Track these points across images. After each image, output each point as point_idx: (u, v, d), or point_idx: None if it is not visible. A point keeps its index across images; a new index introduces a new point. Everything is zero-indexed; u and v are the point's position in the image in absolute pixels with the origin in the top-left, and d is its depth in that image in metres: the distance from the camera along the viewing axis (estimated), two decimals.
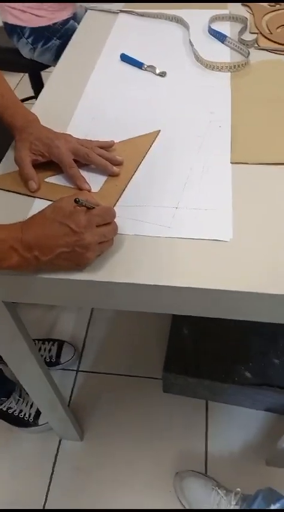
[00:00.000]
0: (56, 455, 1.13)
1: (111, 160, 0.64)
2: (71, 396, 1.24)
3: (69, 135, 0.65)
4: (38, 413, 1.14)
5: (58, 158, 0.62)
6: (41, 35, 1.28)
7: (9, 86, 0.71)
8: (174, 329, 1.22)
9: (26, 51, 1.35)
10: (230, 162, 0.64)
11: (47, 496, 1.07)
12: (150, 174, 0.64)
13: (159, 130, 0.71)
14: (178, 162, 0.65)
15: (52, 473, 1.10)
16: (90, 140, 0.66)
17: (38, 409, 1.14)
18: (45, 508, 1.05)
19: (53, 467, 1.11)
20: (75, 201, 0.48)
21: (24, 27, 1.27)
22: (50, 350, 1.27)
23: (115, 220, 0.53)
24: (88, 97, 0.80)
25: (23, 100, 1.62)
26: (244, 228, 0.55)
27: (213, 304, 0.52)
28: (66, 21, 1.30)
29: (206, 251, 0.53)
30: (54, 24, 1.28)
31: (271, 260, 0.51)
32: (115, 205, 0.60)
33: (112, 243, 0.53)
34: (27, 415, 1.12)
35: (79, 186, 0.61)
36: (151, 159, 0.67)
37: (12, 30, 1.30)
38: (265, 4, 1.04)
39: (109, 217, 0.52)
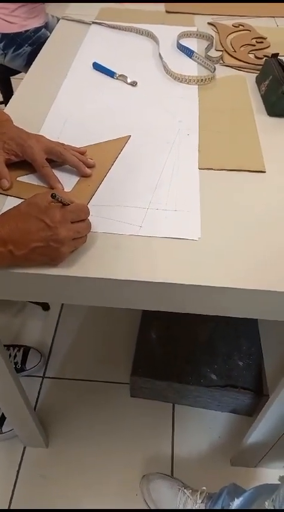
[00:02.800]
0: (20, 462, 1.10)
1: (84, 162, 0.66)
2: (36, 403, 1.22)
3: (42, 136, 0.67)
4: (2, 420, 1.11)
5: (31, 157, 0.63)
6: (12, 41, 1.29)
7: None
8: (142, 334, 1.24)
9: None
10: (198, 168, 0.68)
11: (9, 504, 1.04)
12: (121, 176, 0.67)
13: (130, 136, 0.74)
14: (148, 165, 0.68)
15: (15, 481, 1.07)
16: (62, 143, 0.68)
17: (2, 415, 1.12)
18: None
19: (17, 474, 1.08)
20: (52, 196, 0.50)
21: None
22: (15, 356, 1.25)
23: (88, 218, 0.54)
24: (60, 103, 0.81)
25: None
26: (211, 228, 0.58)
27: (183, 298, 0.54)
28: (38, 29, 1.32)
29: (176, 249, 0.55)
30: (26, 31, 1.29)
31: (235, 256, 0.54)
32: (88, 204, 0.61)
33: (86, 240, 0.55)
34: None
35: (52, 185, 0.63)
36: (122, 162, 0.69)
37: None
38: (230, 24, 1.11)
39: (83, 214, 0.53)
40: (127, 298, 0.56)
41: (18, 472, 1.09)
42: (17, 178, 0.65)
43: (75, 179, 0.66)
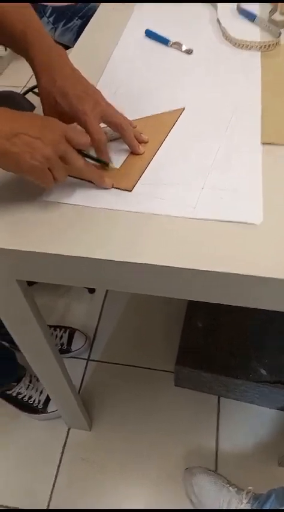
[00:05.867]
0: (64, 444, 1.11)
1: (137, 138, 0.61)
2: (81, 385, 1.22)
3: (99, 94, 0.59)
4: (47, 400, 1.12)
5: (84, 127, 0.57)
6: (63, 14, 1.25)
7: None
8: (188, 322, 1.19)
9: (46, 31, 1.32)
10: (261, 143, 0.60)
11: (53, 485, 1.05)
12: (174, 152, 0.61)
13: (183, 108, 0.68)
14: (204, 141, 0.62)
15: (60, 462, 1.08)
16: (122, 115, 0.61)
17: (47, 396, 1.13)
18: (52, 496, 1.04)
19: (61, 456, 1.09)
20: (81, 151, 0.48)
21: (46, 6, 1.24)
22: (61, 337, 1.25)
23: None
24: (110, 72, 0.76)
25: None
26: (275, 211, 0.51)
27: (238, 290, 0.48)
28: (89, 1, 1.26)
29: (233, 234, 0.49)
30: (77, 4, 1.25)
31: None
32: (136, 183, 0.56)
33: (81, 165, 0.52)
34: (36, 402, 1.11)
35: (100, 156, 0.57)
36: (175, 137, 0.63)
37: (34, 9, 1.26)
38: None
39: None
40: (174, 287, 0.50)
41: (62, 453, 1.10)
42: None
43: (124, 154, 0.61)
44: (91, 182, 0.56)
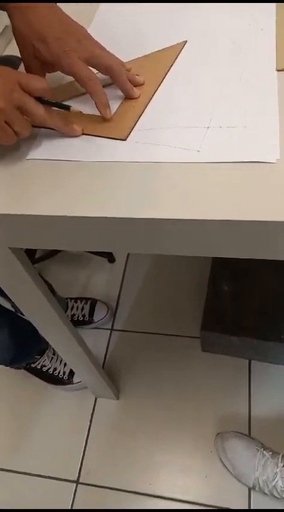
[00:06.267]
0: (92, 413, 1.11)
1: (132, 81, 0.53)
2: (105, 355, 1.20)
3: (83, 31, 0.51)
4: (72, 371, 1.11)
5: (69, 72, 0.50)
6: None
7: None
8: (212, 285, 1.13)
9: None
10: (276, 70, 0.51)
11: (83, 454, 1.06)
12: (173, 91, 0.53)
13: (185, 41, 0.59)
14: (209, 73, 0.53)
15: (88, 431, 1.09)
16: (115, 57, 0.53)
17: None
18: (82, 464, 1.05)
19: (90, 425, 1.09)
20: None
21: None
22: (82, 309, 1.23)
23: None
24: (104, 12, 0.67)
25: None
26: None
27: (256, 241, 0.42)
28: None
29: (246, 177, 0.42)
30: None
31: None
32: (132, 129, 0.50)
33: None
34: (61, 373, 1.10)
35: (99, 108, 0.50)
36: (176, 75, 0.55)
37: None
38: None
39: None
40: (184, 243, 0.44)
41: (90, 421, 1.10)
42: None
43: (118, 100, 0.53)
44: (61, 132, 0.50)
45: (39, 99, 0.47)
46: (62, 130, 0.50)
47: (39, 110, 0.46)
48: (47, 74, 0.55)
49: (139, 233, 0.44)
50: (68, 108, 0.50)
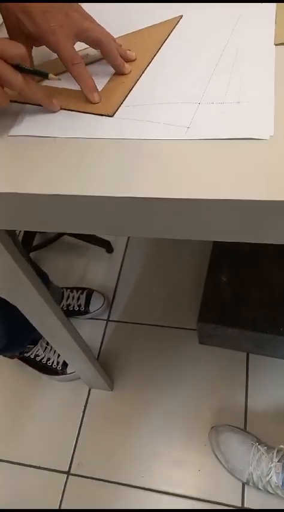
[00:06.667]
0: (86, 404, 1.09)
1: (123, 56, 0.51)
2: (101, 346, 1.18)
3: (71, 3, 0.47)
4: (66, 361, 1.10)
5: (54, 49, 0.47)
6: None
7: None
8: (211, 276, 1.10)
9: None
10: (274, 44, 0.48)
11: (75, 446, 1.05)
12: (166, 66, 0.50)
13: (181, 16, 0.56)
14: (204, 48, 0.50)
15: (81, 422, 1.07)
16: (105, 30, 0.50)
17: None
18: (74, 454, 1.03)
19: (82, 416, 1.08)
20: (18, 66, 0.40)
21: None
22: (78, 299, 1.21)
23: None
24: None
25: None
26: None
27: (251, 221, 0.39)
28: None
29: (238, 154, 0.39)
30: None
31: None
32: (121, 105, 0.47)
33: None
34: (55, 363, 1.09)
35: (85, 92, 0.47)
36: (170, 51, 0.52)
37: None
38: None
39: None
40: (169, 224, 0.42)
41: (84, 412, 1.08)
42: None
43: (107, 75, 0.51)
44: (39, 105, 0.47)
45: (17, 67, 0.44)
46: (40, 102, 0.47)
47: (16, 78, 0.43)
48: (35, 48, 0.52)
49: (127, 214, 0.42)
50: (46, 75, 0.47)
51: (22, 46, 0.44)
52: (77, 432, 1.06)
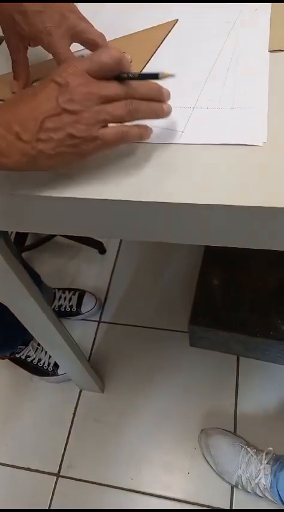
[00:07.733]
0: (76, 406, 1.09)
1: None
2: (92, 347, 1.18)
3: (67, 4, 0.47)
4: (57, 362, 1.09)
5: (49, 50, 0.47)
6: None
7: None
8: (202, 279, 1.11)
9: None
10: (269, 51, 0.49)
11: (65, 447, 1.04)
12: (160, 69, 0.50)
13: (177, 20, 0.56)
14: (199, 53, 0.51)
15: (71, 424, 1.07)
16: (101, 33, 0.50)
17: None
18: (64, 456, 1.03)
19: (73, 417, 1.07)
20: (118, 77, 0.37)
21: None
22: (70, 299, 1.21)
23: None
24: None
25: None
26: (282, 130, 0.41)
27: (241, 228, 0.39)
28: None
29: (231, 160, 0.39)
30: None
31: None
32: None
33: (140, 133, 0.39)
34: (45, 365, 1.08)
35: None
36: (165, 55, 0.52)
37: None
38: None
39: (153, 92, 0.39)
40: (167, 230, 0.42)
41: (74, 414, 1.08)
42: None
43: None
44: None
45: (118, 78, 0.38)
46: (160, 113, 0.40)
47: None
48: (31, 49, 0.52)
49: (120, 217, 0.42)
50: (156, 76, 0.40)
51: (114, 49, 0.39)
52: (67, 434, 1.05)
